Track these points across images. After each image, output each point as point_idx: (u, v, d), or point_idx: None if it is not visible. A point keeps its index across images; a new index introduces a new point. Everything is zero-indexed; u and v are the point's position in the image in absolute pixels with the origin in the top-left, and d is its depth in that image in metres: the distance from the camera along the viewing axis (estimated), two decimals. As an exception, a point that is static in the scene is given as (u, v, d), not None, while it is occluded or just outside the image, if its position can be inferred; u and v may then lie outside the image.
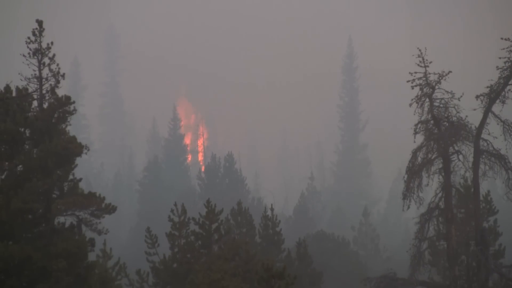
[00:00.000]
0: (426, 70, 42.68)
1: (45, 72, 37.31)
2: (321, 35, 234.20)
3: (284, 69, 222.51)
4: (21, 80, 37.06)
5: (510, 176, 41.86)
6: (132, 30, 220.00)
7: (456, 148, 42.83)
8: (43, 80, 37.33)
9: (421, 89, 42.90)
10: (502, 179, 42.09)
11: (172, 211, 44.21)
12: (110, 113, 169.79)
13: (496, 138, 42.02)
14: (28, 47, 36.82)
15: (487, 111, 41.65)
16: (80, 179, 38.38)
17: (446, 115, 42.95)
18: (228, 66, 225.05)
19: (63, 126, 37.40)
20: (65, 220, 37.58)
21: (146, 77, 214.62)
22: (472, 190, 43.18)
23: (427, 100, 42.93)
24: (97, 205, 36.83)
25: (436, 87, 42.80)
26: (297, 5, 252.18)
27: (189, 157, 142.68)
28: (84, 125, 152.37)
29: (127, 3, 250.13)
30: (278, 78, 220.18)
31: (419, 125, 43.08)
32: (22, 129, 36.73)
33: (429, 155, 43.03)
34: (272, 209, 51.97)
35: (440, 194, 43.09)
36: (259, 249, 49.00)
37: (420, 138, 43.22)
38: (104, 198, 37.45)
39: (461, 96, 42.77)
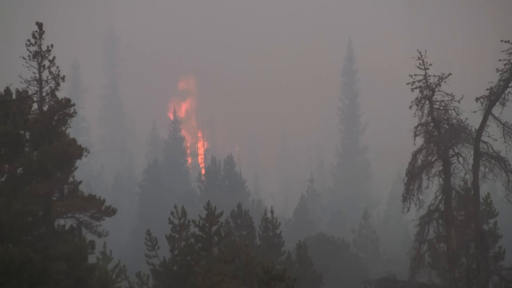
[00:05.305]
0: (426, 73, 42.71)
1: (45, 74, 37.36)
2: (320, 36, 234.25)
3: (283, 70, 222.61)
4: (21, 82, 37.13)
5: (510, 178, 41.78)
6: (132, 31, 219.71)
7: (456, 150, 42.81)
8: (43, 82, 37.37)
9: (421, 91, 42.91)
10: (502, 181, 42.02)
11: (172, 213, 44.19)
12: (110, 116, 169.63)
13: (496, 140, 41.98)
14: (28, 49, 36.88)
15: (487, 113, 41.59)
16: (80, 182, 38.43)
17: (446, 118, 42.93)
18: (228, 66, 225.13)
19: (63, 128, 37.45)
20: (65, 222, 37.62)
21: (146, 79, 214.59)
22: (472, 192, 43.12)
23: (427, 102, 42.93)
24: (97, 208, 36.88)
25: (436, 89, 42.80)
26: (296, 4, 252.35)
27: (189, 160, 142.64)
28: (84, 127, 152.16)
29: (128, 5, 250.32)
30: (277, 79, 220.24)
31: (419, 128, 43.08)
32: (22, 132, 36.77)
33: (429, 158, 43.02)
34: (272, 212, 51.97)
35: (440, 197, 43.06)
36: (259, 251, 48.98)
37: (420, 141, 43.23)
38: (104, 200, 37.50)
39: (461, 99, 42.75)
